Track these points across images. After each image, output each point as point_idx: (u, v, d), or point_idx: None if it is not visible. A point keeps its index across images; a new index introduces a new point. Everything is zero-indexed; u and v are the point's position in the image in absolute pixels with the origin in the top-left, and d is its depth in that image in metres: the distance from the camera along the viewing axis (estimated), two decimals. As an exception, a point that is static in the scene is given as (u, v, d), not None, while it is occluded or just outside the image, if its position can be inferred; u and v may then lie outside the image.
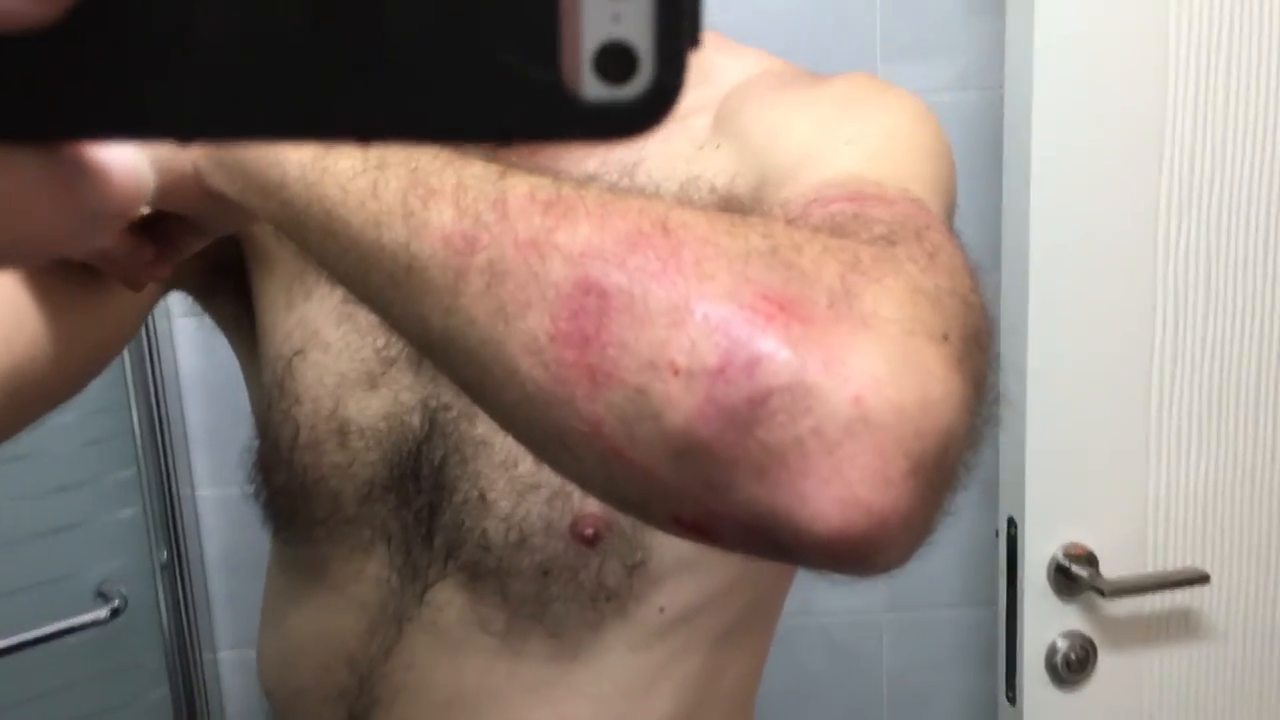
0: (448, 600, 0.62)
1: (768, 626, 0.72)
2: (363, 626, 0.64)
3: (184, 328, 1.25)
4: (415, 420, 0.62)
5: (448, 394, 0.61)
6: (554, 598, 0.61)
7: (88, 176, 0.17)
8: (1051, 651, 1.12)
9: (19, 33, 0.14)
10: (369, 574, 0.65)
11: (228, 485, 1.29)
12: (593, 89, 0.16)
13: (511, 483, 0.60)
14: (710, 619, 0.65)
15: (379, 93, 0.15)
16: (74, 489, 1.23)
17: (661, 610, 0.62)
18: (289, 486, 0.65)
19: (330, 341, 0.64)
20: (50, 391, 0.52)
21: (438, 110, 0.16)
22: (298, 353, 0.65)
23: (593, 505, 0.59)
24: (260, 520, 0.69)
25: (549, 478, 0.59)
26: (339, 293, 0.62)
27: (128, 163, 0.17)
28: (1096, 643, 1.12)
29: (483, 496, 0.60)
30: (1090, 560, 1.10)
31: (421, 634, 0.63)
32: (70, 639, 1.21)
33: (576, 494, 0.59)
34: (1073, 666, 1.12)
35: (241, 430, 1.26)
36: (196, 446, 1.29)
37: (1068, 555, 1.10)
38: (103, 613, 1.21)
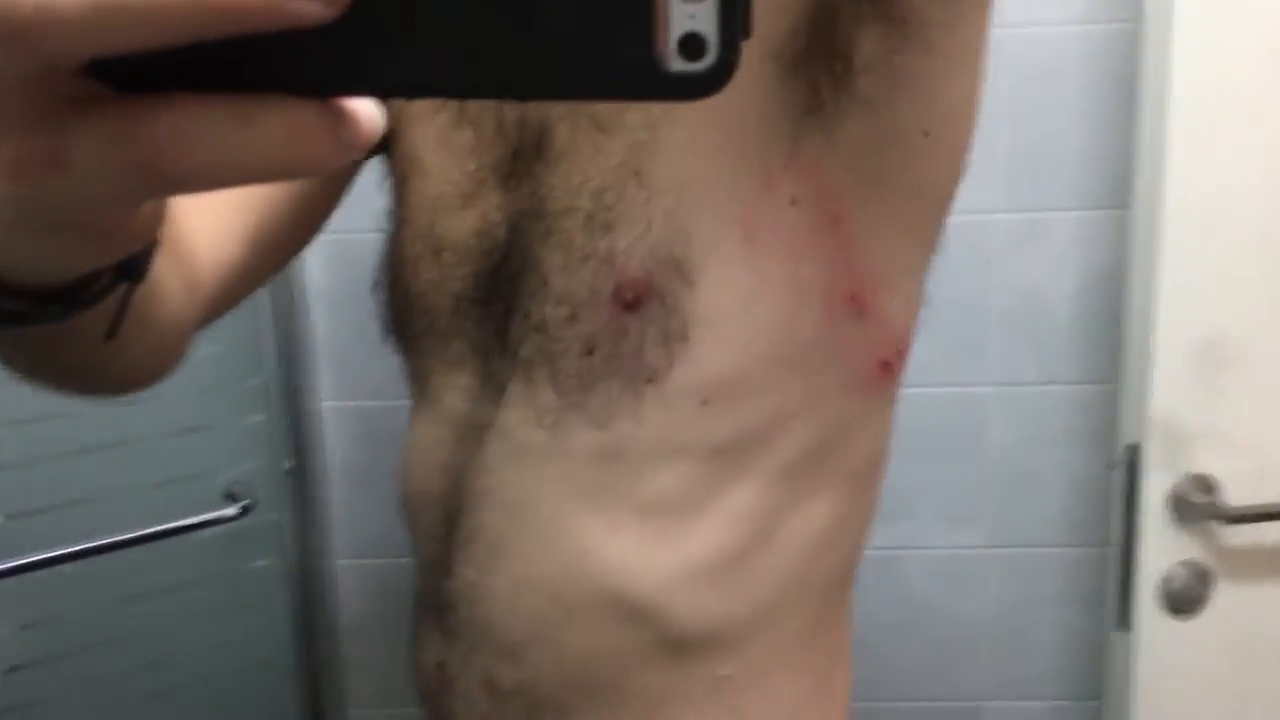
0: (514, 400, 0.64)
1: (849, 483, 0.66)
2: (454, 435, 0.68)
3: (315, 245, 1.29)
4: (501, 234, 0.65)
5: (535, 206, 0.63)
6: (597, 377, 0.61)
7: (345, 118, 0.24)
8: (1168, 580, 1.13)
9: (309, 26, 0.22)
10: (459, 384, 0.68)
11: (351, 399, 1.34)
12: (676, 65, 0.23)
13: (566, 258, 0.61)
14: (763, 448, 0.62)
15: (536, 66, 0.23)
16: (208, 393, 1.27)
17: (705, 403, 0.60)
18: (395, 302, 0.71)
19: (428, 166, 0.68)
20: (288, 242, 0.68)
21: (573, 79, 0.24)
22: (403, 179, 0.70)
23: (635, 269, 0.59)
24: (381, 335, 0.73)
25: (599, 246, 0.60)
26: (439, 119, 0.67)
27: (370, 110, 0.25)
28: (1215, 572, 1.12)
29: (544, 280, 0.62)
30: (1212, 488, 1.10)
31: (496, 439, 0.65)
32: (200, 535, 1.26)
33: (621, 259, 0.59)
34: (1190, 596, 1.12)
35: (364, 346, 1.31)
36: (322, 360, 1.33)
37: (1189, 483, 1.10)
38: (231, 511, 1.26)
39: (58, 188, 0.24)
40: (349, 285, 1.31)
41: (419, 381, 0.72)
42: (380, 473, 1.36)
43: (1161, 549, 1.12)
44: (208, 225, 0.61)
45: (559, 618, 0.64)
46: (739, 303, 0.59)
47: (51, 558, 1.18)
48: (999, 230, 1.27)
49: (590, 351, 0.61)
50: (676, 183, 0.58)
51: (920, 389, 1.31)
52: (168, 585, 1.28)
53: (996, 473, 1.33)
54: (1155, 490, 1.11)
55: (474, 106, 0.66)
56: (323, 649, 1.36)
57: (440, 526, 0.69)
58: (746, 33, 0.23)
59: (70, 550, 1.18)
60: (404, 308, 0.70)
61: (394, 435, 1.33)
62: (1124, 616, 1.15)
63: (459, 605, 0.67)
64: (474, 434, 0.67)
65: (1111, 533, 1.17)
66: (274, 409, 1.30)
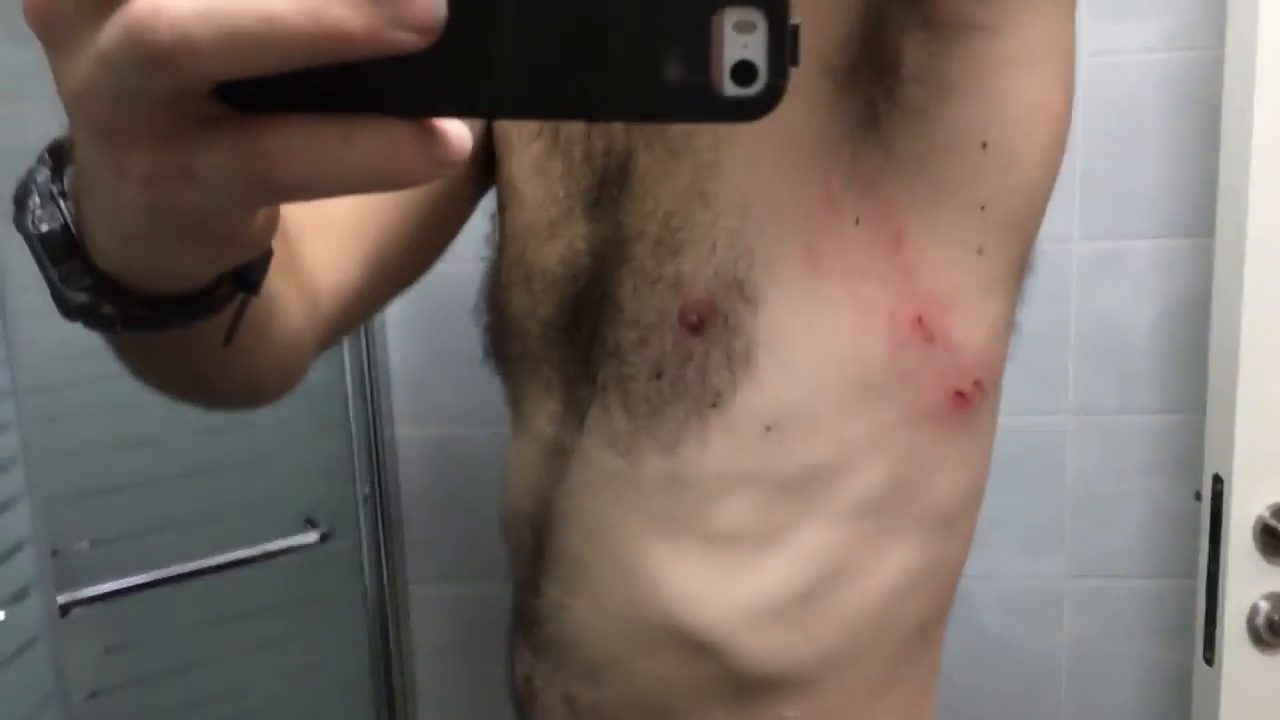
0: (593, 426, 0.65)
1: (932, 525, 0.65)
2: (542, 458, 0.69)
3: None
4: (585, 262, 0.66)
5: (615, 233, 0.64)
6: (665, 401, 0.61)
7: (436, 136, 0.27)
8: (1254, 613, 1.11)
9: (404, 53, 0.25)
10: (547, 409, 0.69)
11: (427, 427, 1.35)
12: (730, 90, 0.25)
13: (637, 283, 0.62)
14: (831, 482, 0.61)
15: (606, 89, 0.26)
16: (289, 420, 1.30)
17: (769, 429, 0.60)
18: (493, 326, 0.73)
19: (523, 194, 0.70)
20: (406, 268, 0.72)
21: (638, 101, 0.26)
22: (503, 207, 0.72)
23: (700, 291, 0.59)
24: (483, 359, 0.75)
25: (667, 270, 0.61)
26: (533, 148, 0.69)
27: (459, 130, 0.27)
28: (1304, 606, 1.10)
29: (618, 305, 0.63)
30: (1300, 520, 1.08)
31: (577, 464, 0.66)
32: (280, 561, 1.28)
33: (687, 282, 0.60)
34: (1276, 629, 1.10)
35: (441, 375, 1.33)
36: (399, 388, 1.35)
37: (1275, 513, 1.08)
38: (312, 538, 1.27)
39: (186, 196, 0.27)
40: (427, 314, 1.33)
41: (515, 405, 0.74)
42: (455, 500, 1.37)
43: (1248, 580, 1.10)
44: (328, 249, 0.63)
45: (633, 643, 0.65)
46: (802, 325, 0.59)
47: (134, 585, 1.20)
48: (1077, 258, 1.26)
49: (659, 375, 0.62)
50: (740, 203, 0.59)
51: (1000, 418, 1.30)
52: (248, 611, 1.30)
53: (1076, 503, 1.31)
54: (1241, 521, 1.09)
55: (565, 136, 0.67)
56: (399, 675, 1.37)
57: (530, 546, 0.71)
58: (794, 60, 0.25)
59: (152, 577, 1.21)
60: (500, 333, 0.72)
61: (469, 463, 1.35)
62: (1209, 650, 1.13)
63: (546, 623, 0.69)
64: (559, 458, 0.68)
65: (1198, 564, 1.15)
66: (353, 436, 1.32)
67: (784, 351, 0.60)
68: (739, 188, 0.59)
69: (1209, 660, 1.14)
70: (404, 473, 1.37)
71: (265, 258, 0.38)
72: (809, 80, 0.57)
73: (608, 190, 0.66)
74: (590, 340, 0.66)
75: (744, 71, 0.25)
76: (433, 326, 1.34)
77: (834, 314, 0.59)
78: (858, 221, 0.58)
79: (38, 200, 0.35)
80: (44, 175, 0.35)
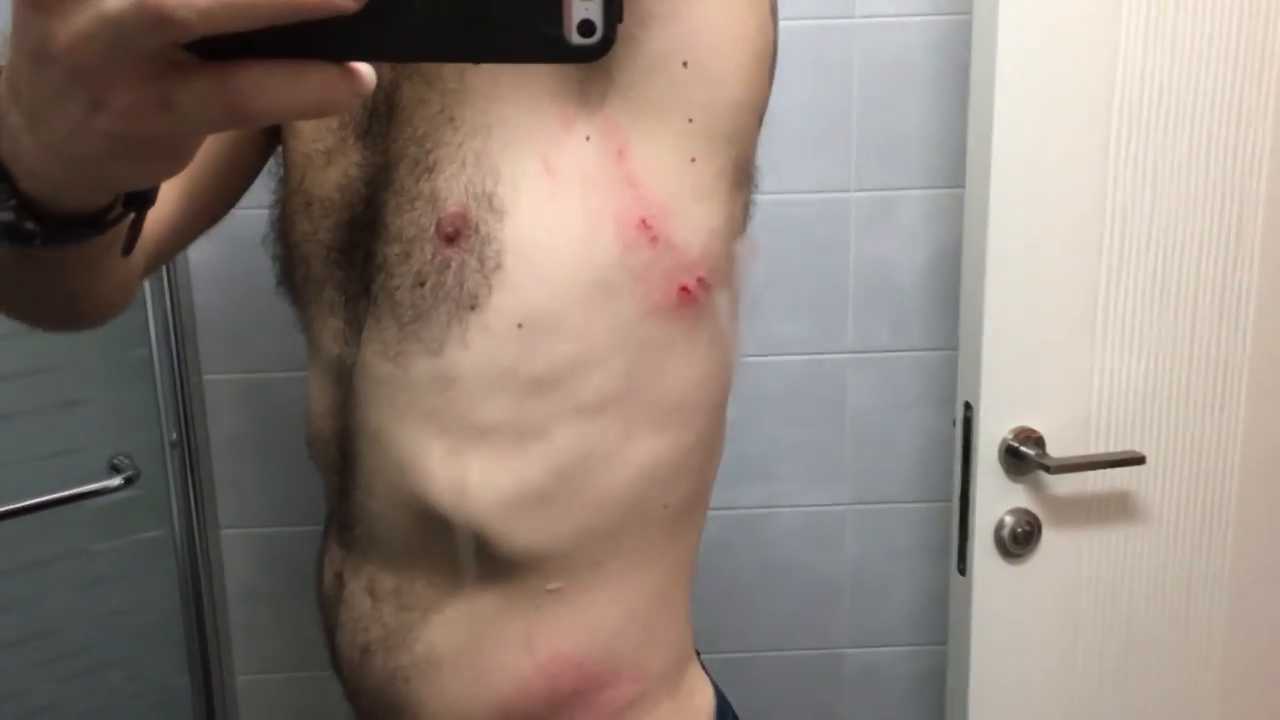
0: (369, 337, 0.72)
1: (673, 417, 0.72)
2: (334, 377, 0.76)
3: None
4: (360, 188, 0.72)
5: (383, 159, 0.71)
6: (428, 307, 0.68)
7: (355, 75, 0.34)
8: (1000, 526, 1.23)
9: (334, 14, 0.32)
10: (333, 329, 0.76)
11: (234, 371, 1.37)
12: (575, 40, 0.34)
13: (399, 200, 0.69)
14: (578, 377, 0.68)
15: (487, 42, 0.34)
16: (93, 367, 1.30)
17: (521, 327, 0.66)
18: (281, 254, 0.79)
19: (299, 128, 0.76)
20: (215, 204, 0.79)
21: (508, 48, 0.34)
22: (284, 140, 0.78)
23: (454, 205, 0.66)
24: (275, 286, 0.81)
25: (424, 187, 0.67)
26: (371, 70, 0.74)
27: (368, 70, 0.35)
28: (1041, 519, 1.23)
29: (385, 224, 0.70)
30: (1038, 442, 1.20)
31: (359, 375, 0.73)
32: (87, 506, 1.28)
33: (441, 197, 0.67)
34: (1019, 540, 1.22)
35: (246, 319, 1.34)
36: (205, 333, 1.36)
37: (1018, 437, 1.20)
38: (115, 482, 1.28)
39: (162, 123, 0.35)
40: (231, 260, 1.34)
41: (306, 330, 0.79)
42: (263, 443, 1.39)
43: (995, 498, 1.22)
44: None
45: (419, 533, 0.72)
46: (544, 232, 0.66)
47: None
48: (854, 207, 1.36)
49: (422, 284, 0.68)
50: (484, 126, 0.66)
51: (784, 356, 1.39)
52: (56, 555, 1.30)
53: (855, 435, 1.42)
54: (988, 444, 1.21)
55: None
56: (210, 616, 1.39)
57: (336, 459, 0.77)
58: (620, 18, 0.34)
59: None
60: (288, 260, 0.78)
61: (275, 407, 1.38)
62: (962, 561, 1.25)
63: (354, 525, 0.76)
64: (345, 374, 0.74)
65: (954, 489, 1.27)
66: (158, 381, 1.33)
67: (530, 256, 0.66)
68: (482, 111, 0.66)
69: (962, 571, 1.25)
70: (211, 416, 1.38)
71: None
72: None
73: (377, 120, 0.72)
74: (365, 260, 0.72)
75: (586, 27, 0.34)
76: (237, 272, 1.35)
77: (571, 221, 0.65)
78: (588, 139, 0.65)
79: None
80: None
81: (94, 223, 0.45)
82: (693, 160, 0.67)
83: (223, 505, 1.40)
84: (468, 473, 0.69)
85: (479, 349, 0.67)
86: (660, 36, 0.64)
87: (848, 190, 1.35)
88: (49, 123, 0.37)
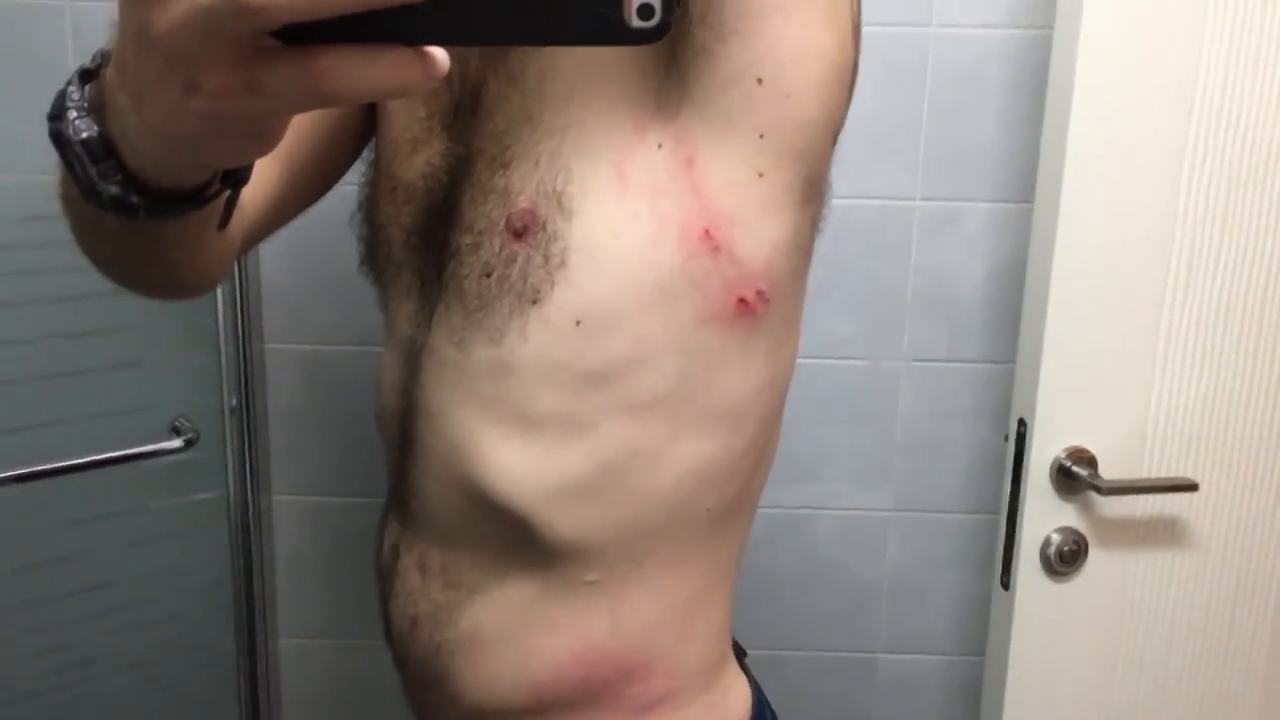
0: (438, 322, 0.74)
1: (722, 422, 0.72)
2: (404, 356, 0.78)
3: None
4: (442, 177, 0.74)
5: (465, 150, 0.73)
6: (493, 297, 0.70)
7: (428, 59, 0.36)
8: (1046, 544, 1.23)
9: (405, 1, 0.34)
10: (407, 310, 0.78)
11: (295, 342, 1.40)
12: (635, 23, 0.35)
13: (474, 193, 0.71)
14: (630, 375, 0.69)
15: (552, 25, 0.36)
16: (160, 331, 1.33)
17: (579, 324, 0.68)
18: (367, 234, 0.81)
19: (393, 113, 0.78)
20: (313, 184, 0.82)
21: (571, 31, 0.36)
22: (378, 126, 0.80)
23: (524, 201, 0.68)
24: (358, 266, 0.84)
25: (498, 182, 0.69)
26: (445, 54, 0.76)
27: (441, 55, 0.36)
28: (1089, 539, 1.23)
29: (460, 213, 0.72)
30: (1090, 462, 1.20)
31: (426, 356, 0.75)
32: (146, 465, 1.31)
33: (514, 193, 0.69)
34: (1065, 559, 1.23)
35: (310, 292, 1.37)
36: (270, 303, 1.38)
37: (1070, 456, 1.20)
38: (176, 444, 1.31)
39: (250, 104, 0.38)
40: (297, 234, 1.36)
41: (384, 309, 0.82)
42: (319, 414, 1.42)
43: (1043, 515, 1.22)
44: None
45: (469, 514, 0.74)
46: (609, 233, 0.67)
47: (3, 478, 1.23)
48: (917, 217, 1.36)
49: (488, 274, 0.70)
50: (560, 127, 0.67)
51: (838, 360, 1.40)
52: (115, 512, 1.34)
53: (904, 442, 1.43)
54: (1040, 461, 1.21)
55: None
56: (259, 581, 1.42)
57: (398, 436, 0.80)
58: (678, 3, 0.36)
59: (20, 472, 1.24)
60: (372, 241, 0.80)
61: (334, 379, 1.40)
62: (1006, 576, 1.25)
63: (409, 500, 0.79)
64: (415, 354, 0.76)
65: (1002, 503, 1.27)
66: (222, 348, 1.35)
67: (594, 256, 0.67)
68: (560, 113, 0.68)
69: (1005, 585, 1.26)
70: (271, 385, 1.41)
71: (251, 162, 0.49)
72: None
73: (462, 114, 0.73)
74: (440, 247, 0.74)
75: (645, 10, 0.35)
76: (303, 246, 1.38)
77: (637, 225, 0.67)
78: (660, 146, 0.67)
79: (74, 113, 0.47)
80: (77, 94, 0.47)
81: (192, 198, 0.49)
82: (761, 175, 0.68)
83: (276, 472, 1.43)
84: (517, 460, 0.71)
85: (537, 341, 0.69)
86: (737, 52, 0.65)
87: (912, 199, 1.35)
88: (150, 104, 0.41)
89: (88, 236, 0.63)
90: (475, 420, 0.72)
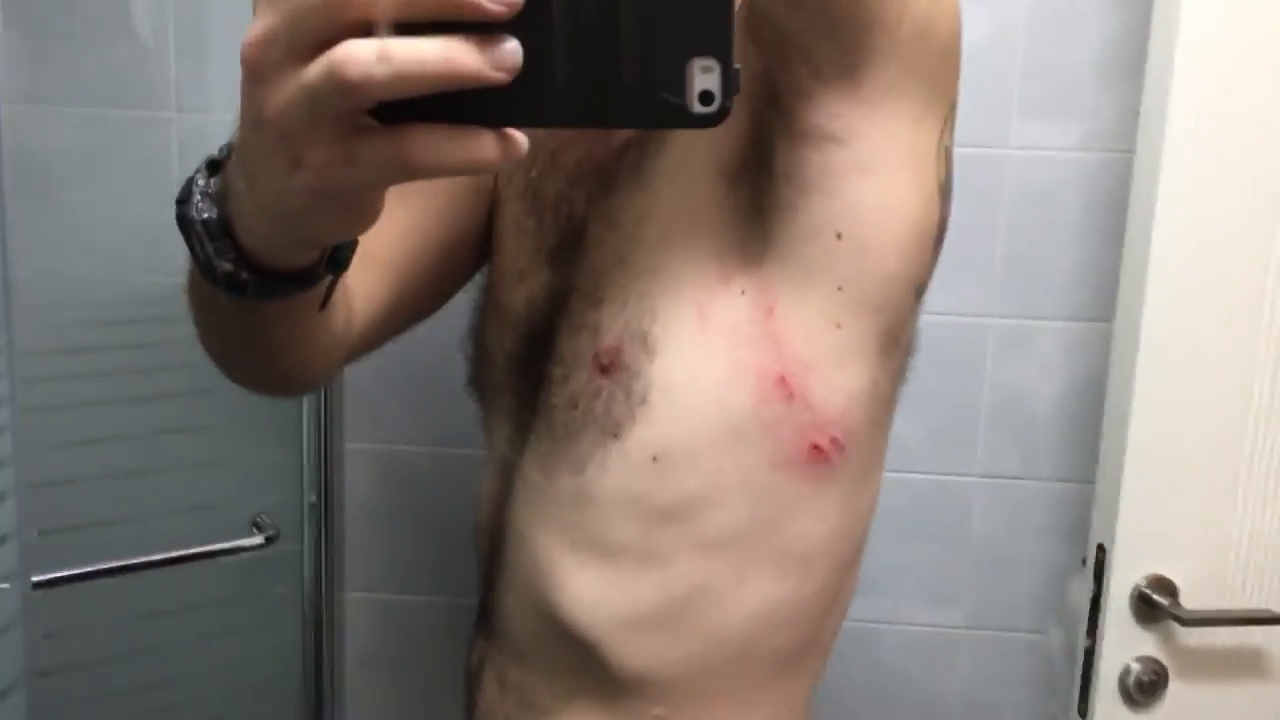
0: (529, 446, 0.77)
1: (793, 564, 0.73)
2: (499, 475, 0.81)
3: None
4: (542, 306, 0.78)
5: (564, 284, 0.76)
6: (578, 429, 0.72)
7: (509, 139, 0.39)
8: (1125, 673, 1.21)
9: (475, 19, 0.37)
10: (504, 432, 0.81)
11: (373, 441, 1.42)
12: (697, 109, 0.38)
13: (568, 327, 0.74)
14: (703, 512, 0.71)
15: (621, 111, 0.39)
16: (243, 428, 1.36)
17: (655, 460, 0.70)
18: (474, 355, 0.86)
19: (504, 244, 0.82)
20: (425, 300, 0.85)
21: (639, 115, 0.39)
22: (489, 256, 0.84)
23: (612, 339, 0.71)
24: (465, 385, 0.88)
25: (589, 318, 0.72)
26: (517, 206, 0.80)
27: (521, 137, 0.39)
28: (1169, 670, 1.20)
29: (554, 345, 0.75)
30: (1171, 590, 1.18)
31: (518, 479, 0.78)
32: (224, 560, 1.34)
33: (602, 329, 0.71)
34: (1145, 690, 1.20)
35: (389, 393, 1.40)
36: (350, 403, 1.42)
37: (1150, 584, 1.18)
38: (257, 540, 1.34)
39: (348, 176, 0.41)
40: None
41: (485, 428, 0.85)
42: (394, 512, 1.44)
43: (1123, 643, 1.20)
44: (364, 272, 0.74)
45: (544, 635, 0.76)
46: (689, 374, 0.69)
47: (79, 574, 1.25)
48: (992, 333, 1.37)
49: (575, 406, 0.73)
50: (649, 270, 0.70)
51: (910, 474, 1.39)
52: (188, 606, 1.36)
53: (977, 558, 1.41)
54: (1120, 588, 1.19)
55: (540, 201, 0.79)
56: (328, 677, 1.44)
57: (487, 551, 0.83)
58: (737, 89, 0.38)
59: (100, 567, 1.26)
60: (478, 362, 0.85)
61: (408, 478, 1.42)
62: (1083, 704, 1.23)
63: (492, 615, 0.82)
64: (509, 475, 0.79)
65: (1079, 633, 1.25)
66: (304, 446, 1.38)
67: (672, 395, 0.70)
68: (650, 257, 0.70)
69: (1083, 714, 1.23)
70: (349, 484, 1.43)
71: (352, 244, 0.54)
72: (708, 178, 0.70)
73: (564, 249, 0.77)
74: (537, 374, 0.77)
75: (706, 97, 0.38)
76: (385, 350, 1.41)
77: (715, 367, 0.69)
78: (743, 293, 0.69)
79: (199, 197, 0.51)
80: (203, 180, 0.52)
81: (298, 279, 0.54)
82: (839, 326, 0.69)
83: (352, 570, 1.45)
84: (591, 587, 0.73)
85: (616, 474, 0.71)
86: (818, 208, 0.67)
87: (988, 315, 1.36)
88: (262, 182, 0.45)
89: (204, 322, 0.67)
90: (555, 545, 0.74)
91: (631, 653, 0.73)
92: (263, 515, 1.37)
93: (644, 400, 0.70)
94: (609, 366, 0.71)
